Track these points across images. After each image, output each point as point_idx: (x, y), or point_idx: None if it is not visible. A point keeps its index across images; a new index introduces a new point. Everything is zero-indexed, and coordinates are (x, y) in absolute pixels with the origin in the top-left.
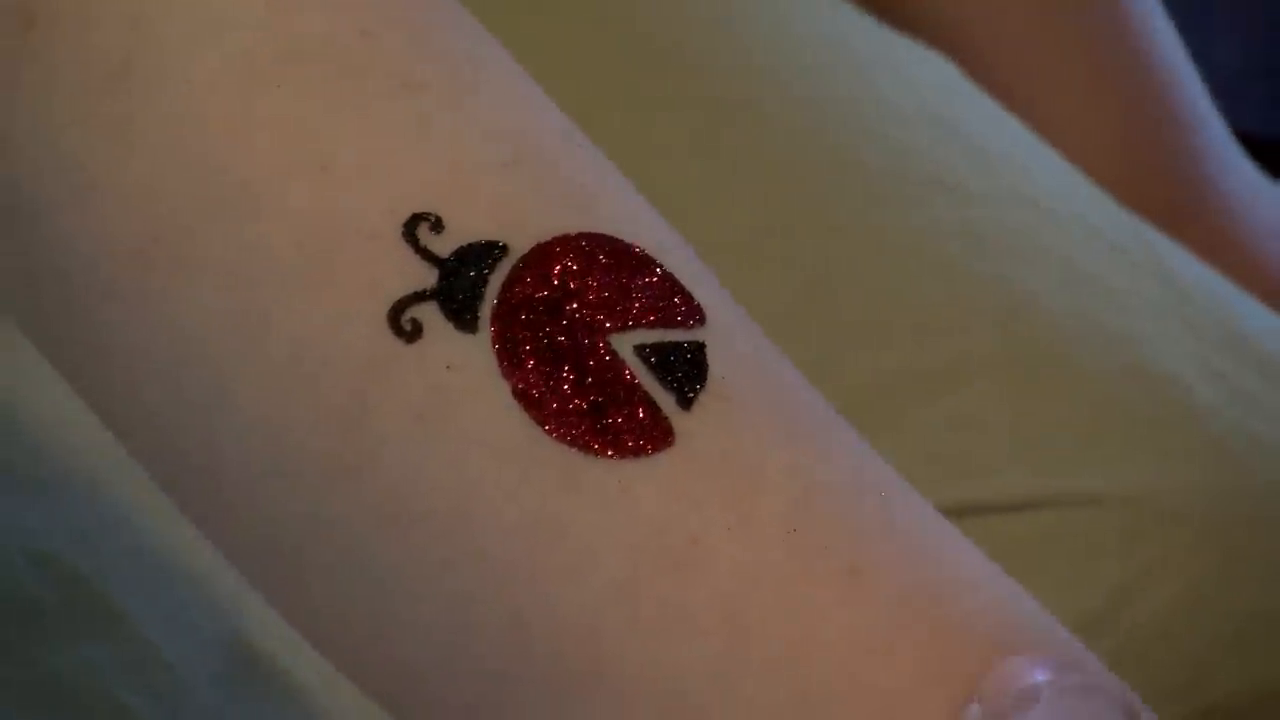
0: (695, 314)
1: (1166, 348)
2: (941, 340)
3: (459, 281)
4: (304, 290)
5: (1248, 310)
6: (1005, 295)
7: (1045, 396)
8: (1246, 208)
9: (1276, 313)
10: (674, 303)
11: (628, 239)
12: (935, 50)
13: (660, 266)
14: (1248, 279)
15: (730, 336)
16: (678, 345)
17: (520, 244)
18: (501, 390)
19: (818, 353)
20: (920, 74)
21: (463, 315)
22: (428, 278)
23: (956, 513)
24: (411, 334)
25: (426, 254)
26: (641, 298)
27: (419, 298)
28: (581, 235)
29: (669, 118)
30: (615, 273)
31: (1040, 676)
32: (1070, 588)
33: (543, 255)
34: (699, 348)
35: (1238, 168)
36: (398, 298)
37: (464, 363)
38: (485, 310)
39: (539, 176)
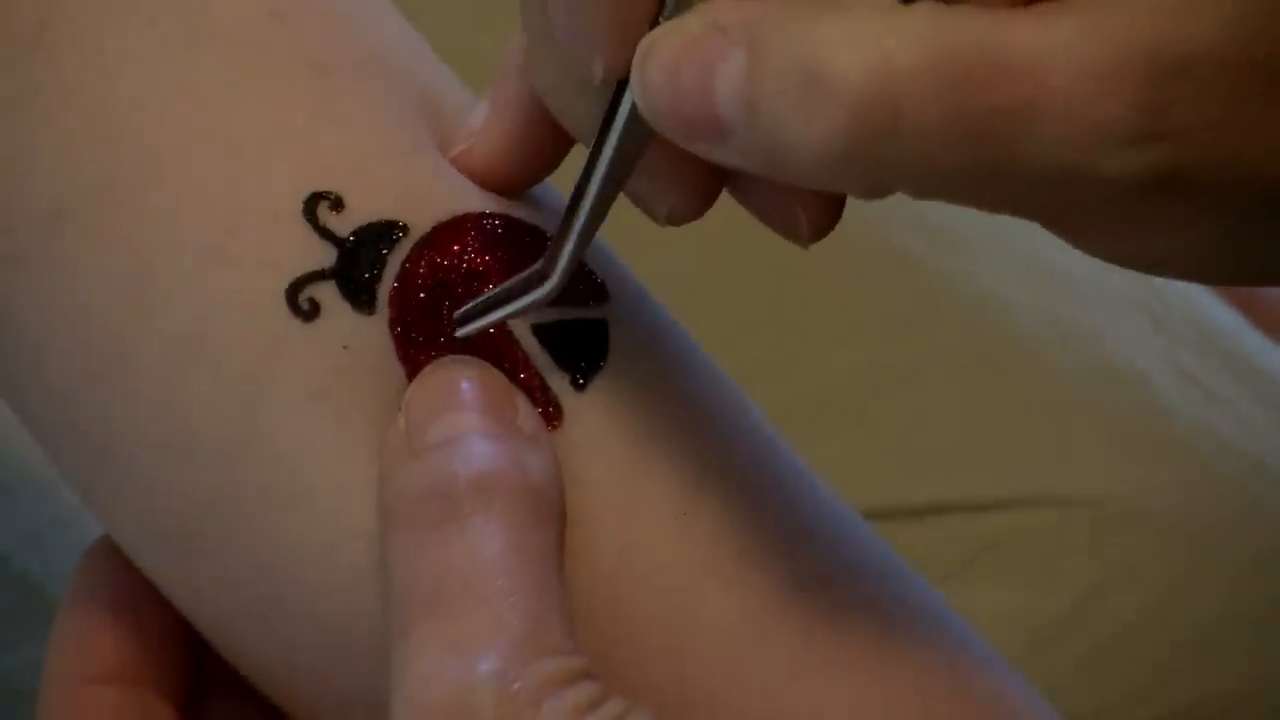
0: (598, 292)
1: (1134, 345)
2: (906, 337)
3: (357, 261)
4: (204, 264)
5: (1217, 310)
6: (970, 291)
7: (1010, 394)
8: None
9: None
10: (576, 280)
11: (529, 219)
12: None
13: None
14: None
15: (632, 316)
16: (578, 324)
17: (421, 224)
18: (396, 372)
19: (786, 350)
20: None
21: (360, 296)
22: (327, 257)
23: (923, 512)
24: (309, 313)
25: (325, 233)
26: None
27: (317, 277)
28: (483, 214)
29: None
30: (516, 251)
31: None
32: (1038, 590)
33: (443, 234)
34: (600, 326)
35: None
36: (296, 276)
37: (360, 343)
38: (384, 291)
39: (441, 161)
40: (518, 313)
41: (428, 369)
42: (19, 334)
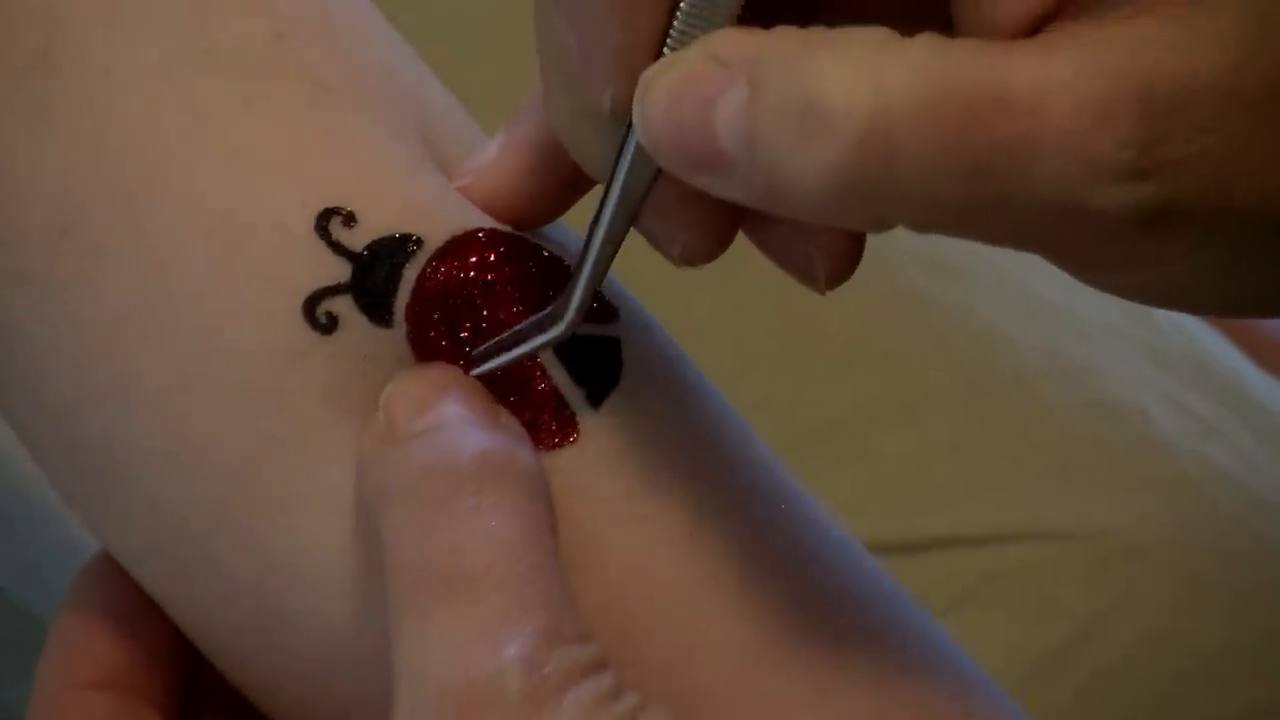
0: (609, 310)
1: (1133, 380)
2: (907, 371)
3: (373, 275)
4: (214, 280)
5: (1216, 345)
6: (970, 326)
7: (1011, 428)
8: None
9: None
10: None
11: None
12: None
13: (570, 264)
14: None
15: (641, 336)
16: (592, 340)
17: (434, 237)
18: None
19: (787, 384)
20: None
21: (377, 309)
22: (341, 271)
23: (923, 546)
24: (328, 327)
25: (339, 248)
26: (557, 291)
27: (334, 291)
28: (495, 229)
29: None
30: (529, 266)
31: None
32: (1036, 622)
33: (457, 247)
34: (613, 344)
35: None
36: (310, 291)
37: (380, 354)
38: (400, 303)
39: (445, 180)
40: (531, 353)
41: (400, 375)
42: (20, 349)
